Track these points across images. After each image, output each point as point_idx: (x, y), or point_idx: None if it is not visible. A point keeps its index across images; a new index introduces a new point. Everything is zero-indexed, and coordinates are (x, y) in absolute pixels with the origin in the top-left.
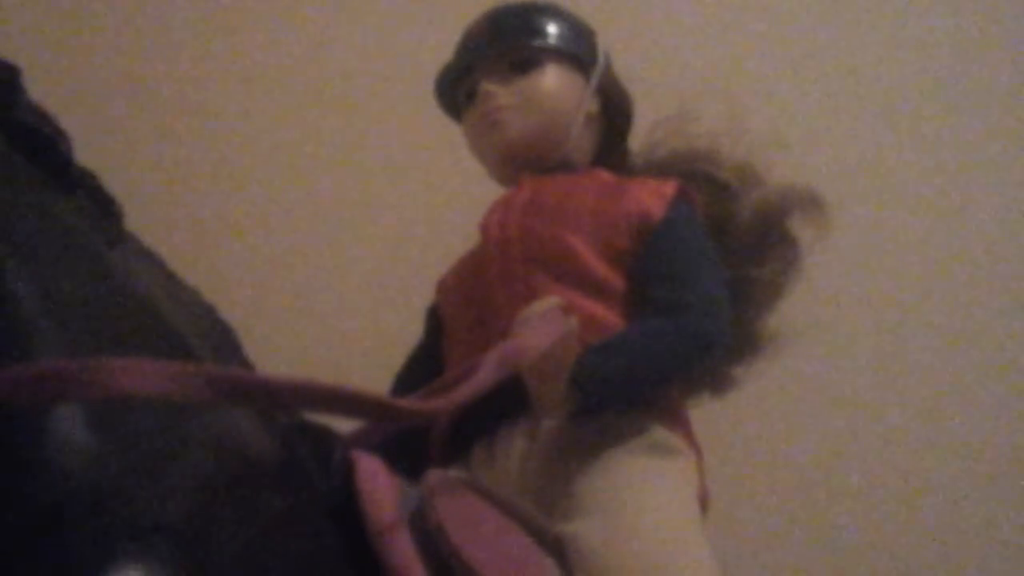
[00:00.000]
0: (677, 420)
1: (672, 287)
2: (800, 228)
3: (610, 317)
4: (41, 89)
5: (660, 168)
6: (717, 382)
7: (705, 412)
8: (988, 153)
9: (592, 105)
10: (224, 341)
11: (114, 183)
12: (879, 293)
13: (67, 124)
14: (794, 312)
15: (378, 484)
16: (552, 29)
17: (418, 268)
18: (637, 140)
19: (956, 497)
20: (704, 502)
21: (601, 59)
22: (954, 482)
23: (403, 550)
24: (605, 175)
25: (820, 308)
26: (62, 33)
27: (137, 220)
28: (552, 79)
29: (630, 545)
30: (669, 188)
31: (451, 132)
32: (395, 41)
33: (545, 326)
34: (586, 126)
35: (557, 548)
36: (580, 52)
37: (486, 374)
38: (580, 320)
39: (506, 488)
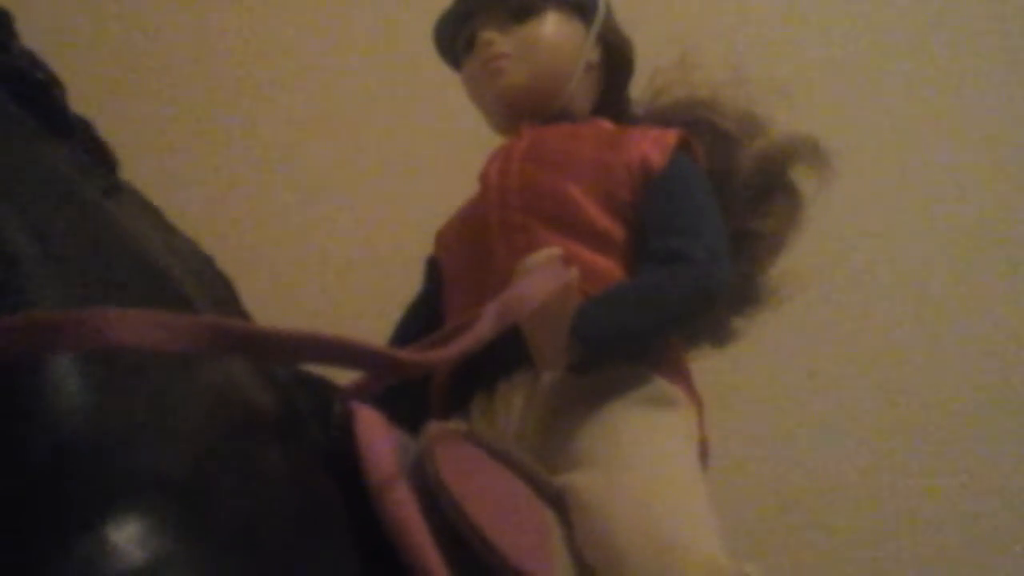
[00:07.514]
0: (677, 372)
1: (673, 237)
2: (802, 179)
3: (611, 268)
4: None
5: (661, 117)
6: (718, 334)
7: (706, 364)
8: (995, 99)
9: (593, 54)
10: (222, 292)
11: (109, 135)
12: (882, 244)
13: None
14: (796, 263)
15: (377, 436)
16: None
17: (417, 219)
18: (638, 89)
19: (961, 445)
20: (704, 453)
21: (602, 7)
22: (959, 435)
23: (402, 502)
24: (606, 124)
25: (822, 259)
26: None
27: (134, 171)
28: (552, 27)
29: (630, 496)
30: (670, 137)
31: (450, 82)
32: None
33: (545, 277)
34: (586, 75)
35: (557, 500)
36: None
37: (486, 325)
38: (580, 271)
39: (506, 440)
